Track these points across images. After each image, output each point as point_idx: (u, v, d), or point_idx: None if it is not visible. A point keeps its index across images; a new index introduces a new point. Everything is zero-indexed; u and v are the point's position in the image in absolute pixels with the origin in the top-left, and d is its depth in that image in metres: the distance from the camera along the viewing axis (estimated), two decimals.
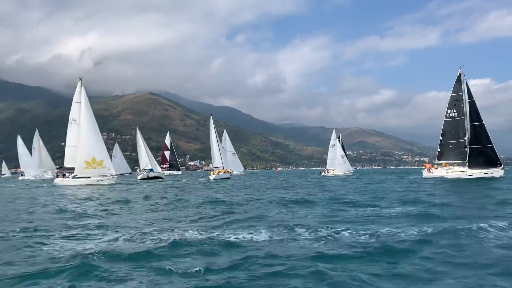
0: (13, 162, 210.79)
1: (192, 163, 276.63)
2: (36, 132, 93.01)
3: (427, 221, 12.78)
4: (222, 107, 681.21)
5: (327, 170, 76.86)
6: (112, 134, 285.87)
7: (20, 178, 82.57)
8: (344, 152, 77.81)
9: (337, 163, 73.44)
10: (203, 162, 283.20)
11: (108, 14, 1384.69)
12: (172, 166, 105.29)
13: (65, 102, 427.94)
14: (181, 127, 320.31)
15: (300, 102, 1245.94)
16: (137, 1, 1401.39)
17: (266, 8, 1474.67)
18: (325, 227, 11.57)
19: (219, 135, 72.85)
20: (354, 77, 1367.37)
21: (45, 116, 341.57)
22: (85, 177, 46.68)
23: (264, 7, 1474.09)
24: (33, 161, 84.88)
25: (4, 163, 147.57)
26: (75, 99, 51.32)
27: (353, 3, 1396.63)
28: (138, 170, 75.82)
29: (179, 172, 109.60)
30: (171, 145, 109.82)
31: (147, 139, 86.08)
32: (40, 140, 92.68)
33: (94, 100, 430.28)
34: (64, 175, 50.14)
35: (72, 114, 50.70)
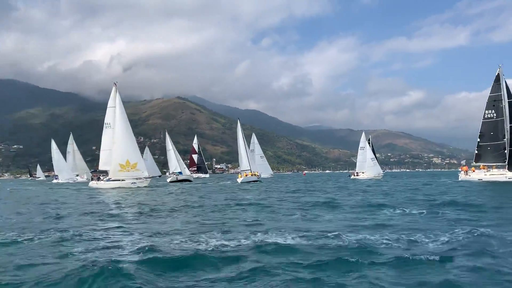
0: (47, 166, 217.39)
1: (218, 166, 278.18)
2: (71, 136, 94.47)
3: None
4: (248, 110, 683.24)
5: (357, 173, 75.45)
6: (141, 138, 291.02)
7: (54, 181, 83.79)
8: (374, 154, 76.07)
9: (367, 166, 71.87)
10: (229, 165, 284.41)
11: (136, 20, 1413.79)
12: (200, 169, 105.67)
13: (96, 107, 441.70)
14: (207, 131, 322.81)
15: (327, 105, 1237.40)
16: (164, 7, 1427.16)
17: (292, 11, 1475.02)
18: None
19: (247, 139, 72.76)
20: (381, 79, 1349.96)
21: (76, 121, 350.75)
22: (119, 180, 47.13)
23: (289, 10, 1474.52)
24: (66, 165, 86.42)
25: (38, 167, 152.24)
26: (110, 103, 51.54)
27: (380, 4, 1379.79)
28: (167, 173, 76.68)
29: (207, 175, 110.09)
30: (198, 148, 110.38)
31: (174, 143, 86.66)
32: (74, 144, 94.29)
33: (124, 104, 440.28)
34: (98, 178, 50.98)
35: (107, 119, 51.35)
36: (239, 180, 59.16)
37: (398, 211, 16.62)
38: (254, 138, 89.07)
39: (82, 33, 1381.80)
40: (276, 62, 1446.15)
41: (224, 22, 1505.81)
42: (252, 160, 65.35)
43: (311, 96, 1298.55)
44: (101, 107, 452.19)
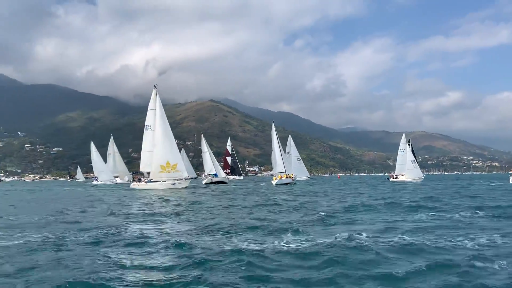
0: (85, 168, 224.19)
1: (251, 168, 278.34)
2: (111, 139, 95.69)
3: None
4: (281, 112, 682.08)
5: (396, 175, 72.92)
6: (176, 140, 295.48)
7: (94, 182, 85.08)
8: (415, 156, 73.20)
9: (407, 169, 69.27)
10: (261, 168, 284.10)
11: (170, 24, 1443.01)
12: (234, 171, 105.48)
13: (132, 110, 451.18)
14: (240, 133, 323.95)
15: (361, 106, 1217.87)
16: (197, 11, 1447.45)
17: (325, 11, 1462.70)
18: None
19: (283, 141, 72.02)
20: (418, 79, 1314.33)
21: (113, 124, 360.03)
22: (159, 181, 47.52)
23: (323, 11, 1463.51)
24: (105, 167, 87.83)
25: (78, 169, 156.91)
26: (150, 106, 52.36)
27: (417, 3, 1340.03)
28: (203, 175, 77.00)
29: (241, 177, 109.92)
30: (232, 150, 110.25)
31: (209, 145, 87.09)
32: (115, 146, 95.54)
33: None
34: (140, 180, 51.82)
35: (148, 121, 52.08)
36: (274, 182, 59.38)
37: None
38: (290, 141, 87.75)
39: (119, 38, 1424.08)
40: (309, 63, 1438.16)
41: (256, 24, 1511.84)
42: (287, 162, 64.53)
43: (345, 97, 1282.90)
44: (137, 111, 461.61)
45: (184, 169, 49.21)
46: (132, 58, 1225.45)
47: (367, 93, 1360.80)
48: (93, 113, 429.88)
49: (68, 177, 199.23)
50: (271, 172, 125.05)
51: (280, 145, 66.22)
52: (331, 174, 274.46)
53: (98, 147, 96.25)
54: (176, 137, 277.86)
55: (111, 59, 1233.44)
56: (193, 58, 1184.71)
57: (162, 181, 47.33)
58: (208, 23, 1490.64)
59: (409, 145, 72.10)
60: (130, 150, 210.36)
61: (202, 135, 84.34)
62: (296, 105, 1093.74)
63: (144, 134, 52.54)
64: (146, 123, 52.35)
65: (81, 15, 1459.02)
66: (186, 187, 46.83)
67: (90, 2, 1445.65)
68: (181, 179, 47.72)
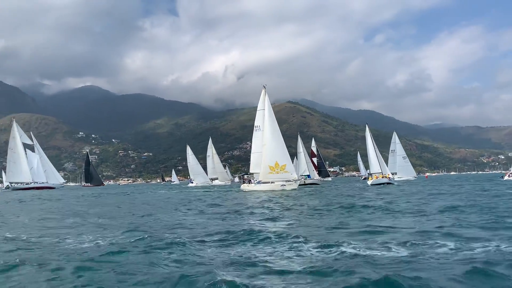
0: (173, 170, 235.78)
1: (332, 169, 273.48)
2: (210, 141, 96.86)
3: None
4: (361, 110, 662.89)
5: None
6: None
7: (190, 184, 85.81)
8: None
9: None
10: (343, 168, 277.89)
11: (248, 30, 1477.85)
12: (321, 172, 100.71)
13: (214, 115, 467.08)
14: (319, 133, 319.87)
15: (449, 100, 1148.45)
16: (274, 15, 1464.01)
17: (407, 4, 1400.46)
18: None
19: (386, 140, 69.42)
20: None
21: (197, 129, 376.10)
22: (269, 182, 46.95)
23: (404, 4, 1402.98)
24: (202, 169, 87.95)
25: (173, 172, 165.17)
26: (259, 106, 52.08)
27: None
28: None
29: (329, 179, 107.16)
30: (317, 151, 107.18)
31: (287, 147, 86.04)
32: (213, 148, 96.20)
33: (239, 111, 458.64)
34: (249, 181, 51.89)
35: (257, 121, 51.87)
36: (369, 182, 59.44)
37: None
38: (395, 138, 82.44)
39: (200, 47, 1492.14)
40: (391, 58, 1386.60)
41: (333, 22, 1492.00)
42: (382, 162, 63.38)
43: (430, 92, 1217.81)
44: (218, 115, 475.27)
45: (293, 170, 48.01)
46: (213, 65, 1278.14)
47: (455, 86, 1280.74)
48: (179, 119, 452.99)
49: (161, 180, 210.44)
50: (353, 173, 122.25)
51: (375, 145, 64.76)
52: (418, 174, 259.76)
53: (182, 151, 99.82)
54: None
55: (193, 67, 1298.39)
56: (270, 61, 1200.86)
57: (271, 182, 46.60)
58: (284, 25, 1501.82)
59: None
60: (207, 153, 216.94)
61: (299, 136, 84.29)
62: (377, 103, 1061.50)
63: (253, 135, 52.28)
64: (255, 124, 51.94)
65: (165, 27, 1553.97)
66: (295, 188, 45.48)
67: (173, 13, 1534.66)
68: (290, 180, 46.44)
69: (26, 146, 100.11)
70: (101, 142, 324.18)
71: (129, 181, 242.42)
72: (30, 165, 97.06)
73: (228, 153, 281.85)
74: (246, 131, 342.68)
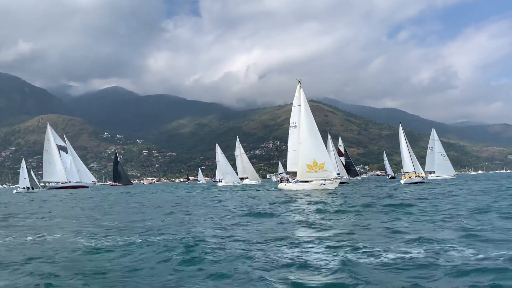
0: (195, 171, 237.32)
1: (356, 168, 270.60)
2: (237, 140, 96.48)
3: None
4: (385, 109, 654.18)
5: None
6: (277, 142, 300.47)
7: (219, 184, 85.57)
8: None
9: None
10: (366, 167, 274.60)
11: (270, 29, 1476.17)
12: (350, 171, 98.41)
13: (235, 115, 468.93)
14: (342, 132, 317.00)
15: (476, 98, 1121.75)
16: (295, 13, 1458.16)
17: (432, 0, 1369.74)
18: None
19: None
20: None
21: (220, 129, 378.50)
22: (307, 181, 45.26)
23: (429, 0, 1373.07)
24: (231, 168, 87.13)
25: (200, 171, 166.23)
26: (294, 102, 50.17)
27: None
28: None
29: (359, 178, 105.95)
30: (345, 150, 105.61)
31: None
32: (241, 148, 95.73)
33: (260, 110, 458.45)
34: (287, 180, 50.15)
35: (293, 118, 50.04)
36: (402, 181, 59.60)
37: None
38: (434, 135, 79.86)
39: (222, 47, 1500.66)
40: (415, 55, 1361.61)
41: (356, 19, 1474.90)
42: (415, 161, 63.51)
43: (456, 89, 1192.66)
44: (240, 115, 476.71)
45: (332, 168, 46.28)
46: (235, 64, 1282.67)
47: (483, 83, 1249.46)
48: (201, 119, 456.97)
49: (186, 179, 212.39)
50: (377, 172, 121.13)
51: (408, 144, 65.09)
52: None
53: (205, 151, 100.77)
54: (277, 138, 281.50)
55: (215, 67, 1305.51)
56: (292, 59, 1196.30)
57: (310, 181, 44.80)
58: (306, 24, 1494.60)
59: None
60: (235, 153, 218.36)
61: (329, 134, 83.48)
62: (401, 100, 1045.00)
63: (289, 132, 50.49)
64: (291, 121, 50.07)
65: (188, 28, 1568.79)
66: (335, 188, 43.78)
67: (196, 14, 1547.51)
68: (330, 179, 44.44)
69: (59, 147, 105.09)
70: (125, 142, 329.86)
71: (153, 180, 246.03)
72: (64, 165, 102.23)
73: (250, 153, 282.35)
74: (267, 130, 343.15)
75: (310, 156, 45.14)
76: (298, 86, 49.57)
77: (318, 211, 18.97)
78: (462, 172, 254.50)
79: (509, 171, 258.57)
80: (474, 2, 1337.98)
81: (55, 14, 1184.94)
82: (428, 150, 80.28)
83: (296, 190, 42.37)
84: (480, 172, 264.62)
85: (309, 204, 23.73)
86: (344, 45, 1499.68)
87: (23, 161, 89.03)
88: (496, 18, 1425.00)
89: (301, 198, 29.67)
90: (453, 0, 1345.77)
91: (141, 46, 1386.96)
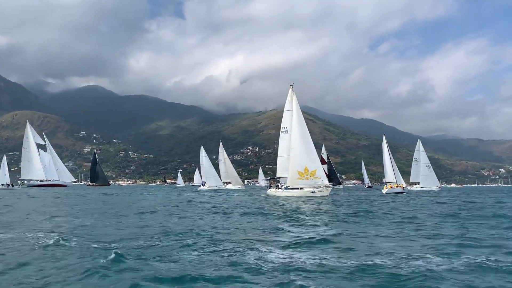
0: (172, 174, 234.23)
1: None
2: (221, 145, 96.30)
3: None
4: (363, 119, 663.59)
5: None
6: (256, 148, 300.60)
7: (202, 187, 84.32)
8: None
9: None
10: (343, 176, 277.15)
11: (254, 35, 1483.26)
12: (332, 180, 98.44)
13: (216, 119, 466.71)
14: (321, 141, 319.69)
15: (452, 112, 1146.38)
16: (280, 21, 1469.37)
17: (413, 14, 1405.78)
18: None
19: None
20: None
21: (199, 132, 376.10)
22: (297, 188, 44.30)
23: (410, 14, 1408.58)
24: (215, 172, 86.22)
25: (179, 174, 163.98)
26: (286, 107, 48.85)
27: None
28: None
29: (341, 186, 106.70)
30: (328, 158, 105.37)
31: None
32: (225, 153, 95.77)
33: (241, 116, 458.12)
34: (277, 186, 48.96)
35: (284, 123, 48.73)
36: (384, 191, 60.64)
37: None
38: (419, 146, 79.43)
39: (205, 50, 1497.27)
40: (394, 68, 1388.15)
41: (339, 30, 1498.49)
42: (397, 172, 64.91)
43: (433, 103, 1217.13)
44: (220, 119, 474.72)
45: (324, 176, 45.39)
46: (217, 68, 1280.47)
47: (459, 98, 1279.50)
48: (180, 121, 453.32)
49: (164, 182, 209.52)
50: (365, 182, 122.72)
51: (391, 155, 66.55)
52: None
53: (183, 154, 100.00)
54: (256, 144, 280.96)
55: (197, 70, 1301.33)
56: (274, 66, 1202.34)
57: (300, 188, 43.97)
58: (290, 31, 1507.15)
59: None
60: (214, 157, 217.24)
61: (323, 147, 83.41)
62: (379, 112, 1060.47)
63: (280, 137, 49.35)
64: (282, 125, 48.91)
65: (171, 29, 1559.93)
66: (326, 195, 42.69)
67: (179, 16, 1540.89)
68: (321, 187, 43.61)
69: (38, 146, 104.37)
70: (102, 142, 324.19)
71: (129, 182, 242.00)
72: (43, 163, 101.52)
73: (229, 157, 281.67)
74: (247, 136, 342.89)
75: (301, 162, 44.16)
76: (291, 90, 48.36)
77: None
78: (446, 185, 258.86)
79: (481, 185, 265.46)
80: (453, 18, 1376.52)
81: (34, 9, 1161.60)
82: (413, 160, 79.83)
83: (285, 197, 41.56)
84: (453, 185, 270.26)
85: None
86: (326, 54, 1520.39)
87: (4, 157, 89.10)
88: (473, 36, 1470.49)
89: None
90: (433, 15, 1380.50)
91: (123, 45, 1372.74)
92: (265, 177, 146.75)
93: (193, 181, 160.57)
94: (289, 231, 14.11)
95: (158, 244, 10.97)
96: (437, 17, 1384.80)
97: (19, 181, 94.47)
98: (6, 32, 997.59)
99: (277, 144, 48.99)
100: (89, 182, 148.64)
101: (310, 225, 16.18)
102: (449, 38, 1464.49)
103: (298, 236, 12.72)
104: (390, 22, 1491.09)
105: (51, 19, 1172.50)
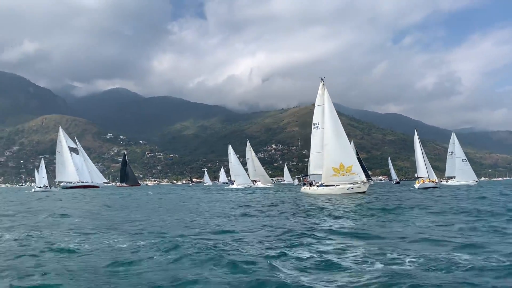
0: (198, 173, 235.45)
1: None
2: (248, 143, 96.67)
3: None
4: (388, 114, 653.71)
5: None
6: (279, 146, 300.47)
7: (231, 186, 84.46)
8: None
9: None
10: (369, 172, 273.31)
11: (275, 33, 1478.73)
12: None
13: (238, 118, 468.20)
14: None
15: (480, 104, 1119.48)
16: (301, 17, 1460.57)
17: (437, 5, 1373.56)
18: None
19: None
20: None
21: (222, 131, 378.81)
22: (333, 185, 42.67)
23: (434, 5, 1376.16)
24: (243, 170, 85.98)
25: (206, 173, 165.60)
26: (317, 102, 46.83)
27: None
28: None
29: (372, 182, 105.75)
30: (357, 154, 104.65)
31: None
32: (252, 151, 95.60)
33: (263, 114, 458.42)
34: (311, 184, 47.45)
35: (315, 118, 46.81)
36: (416, 185, 60.77)
37: None
38: (454, 139, 75.67)
39: (226, 50, 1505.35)
40: (419, 61, 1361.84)
41: (361, 24, 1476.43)
42: (429, 167, 63.78)
43: (460, 95, 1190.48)
44: (243, 118, 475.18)
45: (361, 172, 43.63)
46: (238, 67, 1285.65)
47: (487, 89, 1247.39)
48: (204, 121, 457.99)
49: (190, 181, 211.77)
50: (393, 178, 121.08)
51: (423, 150, 65.97)
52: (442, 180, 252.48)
53: (207, 153, 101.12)
54: (279, 142, 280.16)
55: (219, 69, 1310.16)
56: (296, 63, 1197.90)
57: (336, 185, 42.34)
58: (311, 27, 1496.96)
59: None
60: (237, 155, 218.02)
61: (352, 142, 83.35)
62: (404, 106, 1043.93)
63: (312, 133, 47.35)
64: (313, 121, 46.96)
65: (193, 30, 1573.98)
66: (364, 192, 41.50)
67: (201, 17, 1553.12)
68: (358, 183, 42.03)
69: (71, 149, 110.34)
70: (128, 144, 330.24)
71: (156, 182, 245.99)
72: (76, 166, 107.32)
73: None
74: (270, 134, 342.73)
75: (336, 158, 42.55)
76: (321, 84, 46.29)
77: None
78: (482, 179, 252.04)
79: None
80: (479, 8, 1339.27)
81: (60, 14, 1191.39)
82: (448, 154, 76.74)
83: (320, 194, 40.42)
84: (483, 179, 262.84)
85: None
86: (349, 49, 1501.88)
87: (42, 160, 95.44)
88: (501, 25, 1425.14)
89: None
90: (458, 6, 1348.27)
91: (146, 47, 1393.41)
92: (291, 175, 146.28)
93: (218, 180, 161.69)
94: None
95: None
96: (463, 7, 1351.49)
97: (56, 183, 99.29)
98: (34, 39, 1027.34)
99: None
100: (119, 183, 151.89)
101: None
102: (476, 28, 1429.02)
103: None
104: (414, 15, 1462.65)
105: (76, 24, 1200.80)
